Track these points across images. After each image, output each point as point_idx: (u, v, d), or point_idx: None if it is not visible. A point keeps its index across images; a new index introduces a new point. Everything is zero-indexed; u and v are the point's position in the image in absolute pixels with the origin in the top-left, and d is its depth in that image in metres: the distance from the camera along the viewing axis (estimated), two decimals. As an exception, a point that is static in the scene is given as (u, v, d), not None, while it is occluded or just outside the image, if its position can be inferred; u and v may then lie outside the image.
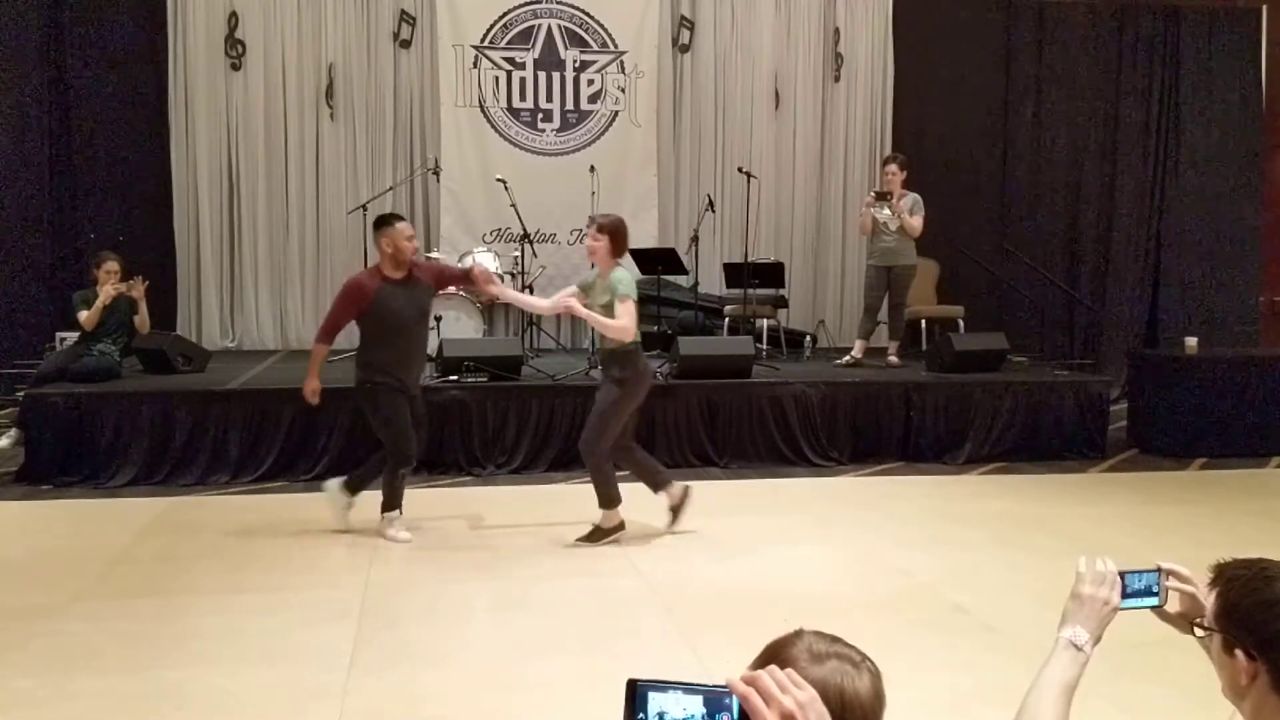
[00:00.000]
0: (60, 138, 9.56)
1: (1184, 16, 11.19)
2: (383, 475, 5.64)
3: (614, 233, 5.44)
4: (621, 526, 5.59)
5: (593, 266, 5.60)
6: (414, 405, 5.68)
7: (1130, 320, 11.23)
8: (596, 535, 5.55)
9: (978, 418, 7.78)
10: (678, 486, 5.78)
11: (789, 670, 1.22)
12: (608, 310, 5.35)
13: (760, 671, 1.20)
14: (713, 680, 1.21)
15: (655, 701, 1.17)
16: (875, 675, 1.36)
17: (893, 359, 8.49)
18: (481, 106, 10.06)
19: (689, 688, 1.18)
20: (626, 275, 5.44)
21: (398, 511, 5.63)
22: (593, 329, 8.81)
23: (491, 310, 9.61)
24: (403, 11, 9.96)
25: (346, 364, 8.13)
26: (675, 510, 5.77)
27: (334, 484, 5.79)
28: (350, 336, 9.48)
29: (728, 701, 1.18)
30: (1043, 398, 7.93)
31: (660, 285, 9.13)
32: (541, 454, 7.30)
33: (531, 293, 8.83)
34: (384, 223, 5.60)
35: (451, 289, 8.10)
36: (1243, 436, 8.07)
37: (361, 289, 5.46)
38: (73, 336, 7.86)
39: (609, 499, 5.55)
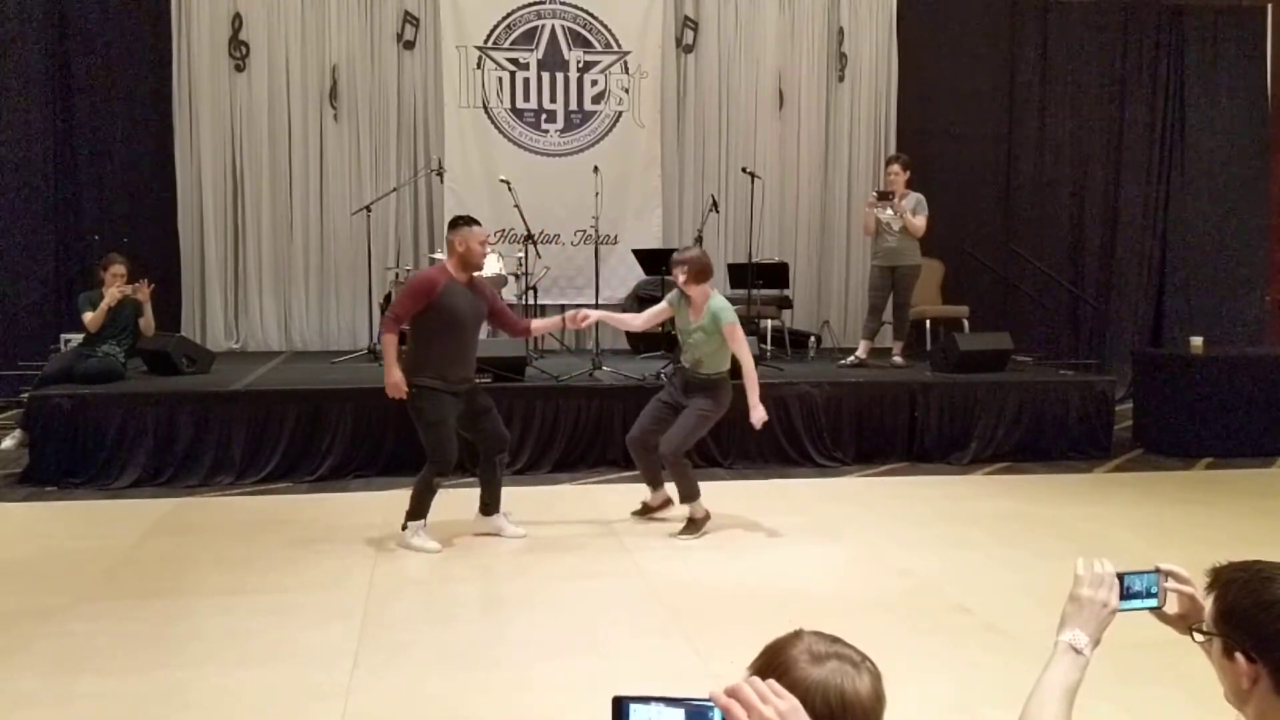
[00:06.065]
0: (65, 140, 9.59)
1: (1189, 15, 11.17)
2: (418, 479, 5.53)
3: (693, 263, 5.67)
4: (708, 515, 5.80)
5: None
6: (474, 400, 5.61)
7: (1136, 319, 11.21)
8: (694, 527, 5.75)
9: (982, 418, 7.77)
10: (663, 494, 6.01)
11: (770, 680, 1.23)
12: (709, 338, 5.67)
13: (742, 683, 1.21)
14: (717, 679, 1.21)
15: (638, 715, 1.18)
16: (875, 676, 1.36)
17: (897, 359, 8.49)
18: (485, 107, 10.07)
19: (671, 701, 1.19)
20: (725, 302, 5.74)
21: (423, 521, 5.52)
22: (597, 327, 8.91)
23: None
24: (406, 12, 9.97)
25: (353, 365, 8.21)
26: (648, 508, 6.04)
27: (497, 521, 5.75)
28: (356, 338, 9.65)
29: (710, 714, 1.19)
30: (1048, 397, 7.91)
31: (664, 286, 9.13)
32: (546, 455, 7.30)
33: (536, 294, 8.85)
34: (460, 222, 5.63)
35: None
36: (1248, 436, 8.05)
37: (431, 281, 5.41)
38: (77, 338, 7.89)
39: (691, 493, 5.76)
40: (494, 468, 5.72)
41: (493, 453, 5.68)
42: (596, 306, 8.99)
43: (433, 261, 9.31)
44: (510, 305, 9.48)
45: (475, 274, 5.61)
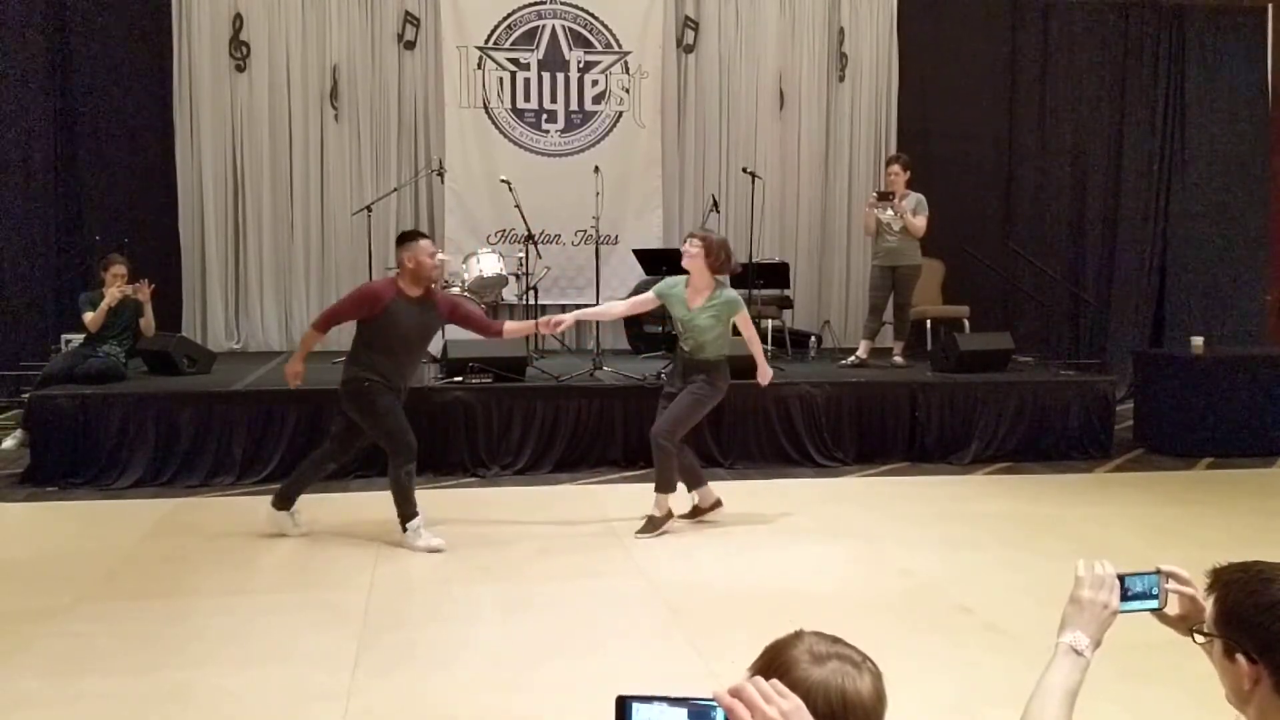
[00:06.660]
0: (66, 139, 9.59)
1: (1189, 15, 11.17)
2: (390, 482, 5.51)
3: (711, 245, 5.65)
4: (671, 515, 5.78)
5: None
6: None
7: (1136, 319, 11.21)
8: (653, 525, 5.72)
9: (983, 418, 7.77)
10: (711, 493, 5.97)
11: (774, 680, 1.23)
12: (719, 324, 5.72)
13: (745, 683, 1.22)
14: (718, 679, 1.22)
15: (641, 714, 1.18)
16: (876, 676, 1.36)
17: (898, 359, 8.49)
18: (486, 107, 10.07)
19: (674, 701, 1.20)
20: (735, 292, 5.82)
21: (419, 517, 5.49)
22: (598, 327, 8.91)
23: (496, 311, 9.63)
24: (407, 13, 9.98)
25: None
26: (698, 510, 5.98)
27: (268, 512, 5.64)
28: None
29: (713, 714, 1.19)
30: (1048, 397, 7.91)
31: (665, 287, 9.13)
32: (546, 455, 7.30)
33: (536, 294, 8.85)
34: (407, 239, 5.58)
35: (455, 290, 8.13)
36: (1249, 435, 8.05)
37: (376, 296, 5.42)
38: (78, 338, 7.89)
39: (668, 484, 5.73)
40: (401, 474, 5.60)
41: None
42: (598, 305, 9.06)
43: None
44: (510, 306, 9.62)
45: (432, 287, 5.60)
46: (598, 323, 9.20)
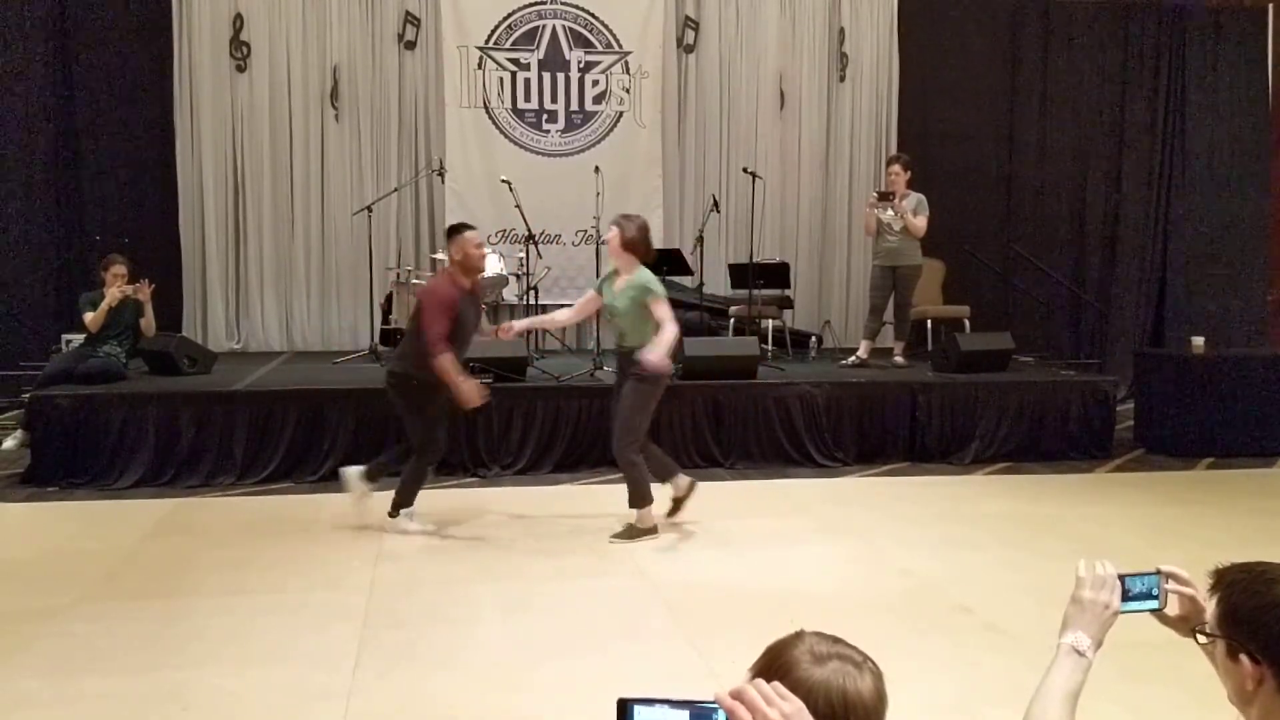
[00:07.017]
0: (66, 140, 9.58)
1: (1189, 16, 11.16)
2: (407, 471, 5.71)
3: (631, 234, 5.60)
4: (655, 530, 5.67)
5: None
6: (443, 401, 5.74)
7: (1137, 320, 11.21)
8: (631, 533, 5.63)
9: (983, 418, 7.77)
10: (684, 479, 5.93)
11: (775, 683, 1.23)
12: (634, 307, 5.57)
13: (746, 685, 1.22)
14: (719, 679, 1.22)
15: (642, 717, 1.19)
16: (877, 676, 1.36)
17: (898, 359, 8.49)
18: (486, 107, 10.07)
19: (675, 703, 1.20)
20: (654, 278, 5.66)
21: (413, 508, 5.73)
22: (598, 328, 8.90)
23: (497, 311, 9.63)
24: (407, 13, 9.97)
25: (354, 365, 8.21)
26: (678, 501, 5.95)
27: (353, 472, 5.80)
28: (358, 338, 9.64)
29: (714, 716, 1.19)
30: (1049, 398, 7.91)
31: (665, 286, 9.13)
32: (547, 455, 7.30)
33: (537, 294, 8.85)
34: (454, 231, 5.71)
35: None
36: (1249, 436, 8.05)
37: (450, 297, 5.49)
38: (78, 338, 7.89)
39: (641, 498, 5.64)
40: (424, 470, 5.78)
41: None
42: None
43: (434, 263, 9.33)
44: (511, 306, 9.62)
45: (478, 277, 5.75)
46: (597, 323, 9.20)
